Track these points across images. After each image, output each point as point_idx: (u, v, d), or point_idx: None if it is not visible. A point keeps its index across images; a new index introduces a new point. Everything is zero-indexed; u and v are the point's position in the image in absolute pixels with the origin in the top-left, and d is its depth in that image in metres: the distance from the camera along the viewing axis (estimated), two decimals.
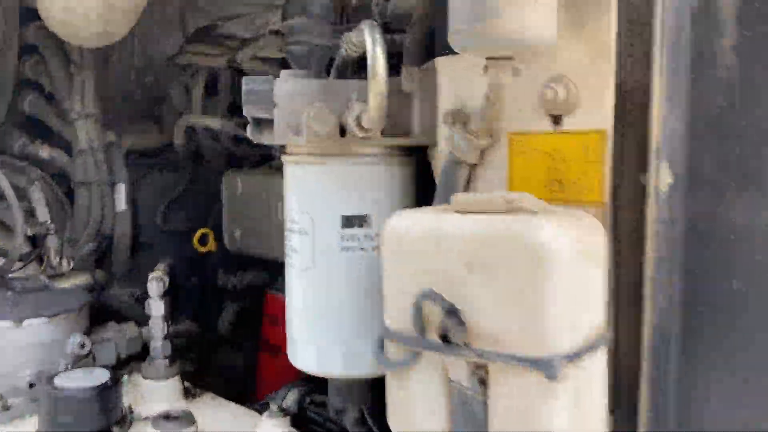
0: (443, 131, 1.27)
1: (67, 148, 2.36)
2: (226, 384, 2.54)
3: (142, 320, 2.25)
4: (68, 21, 1.94)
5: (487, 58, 1.08)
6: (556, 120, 1.12)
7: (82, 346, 1.80)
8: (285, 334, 2.17)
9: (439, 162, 1.29)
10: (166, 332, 1.78)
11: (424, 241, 1.02)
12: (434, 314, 1.01)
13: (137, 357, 2.04)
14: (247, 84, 1.29)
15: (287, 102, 1.29)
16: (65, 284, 2.19)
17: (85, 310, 1.87)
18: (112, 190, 2.37)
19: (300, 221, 1.31)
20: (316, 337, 1.32)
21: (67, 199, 2.38)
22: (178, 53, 2.41)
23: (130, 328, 2.02)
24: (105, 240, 2.37)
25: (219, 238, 2.44)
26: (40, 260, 2.26)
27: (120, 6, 1.93)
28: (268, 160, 2.41)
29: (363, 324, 1.31)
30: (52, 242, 2.25)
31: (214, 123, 2.31)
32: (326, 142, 1.25)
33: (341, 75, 1.44)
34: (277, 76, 2.27)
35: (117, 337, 1.96)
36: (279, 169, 2.22)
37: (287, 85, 1.29)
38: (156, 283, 1.77)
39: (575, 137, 1.11)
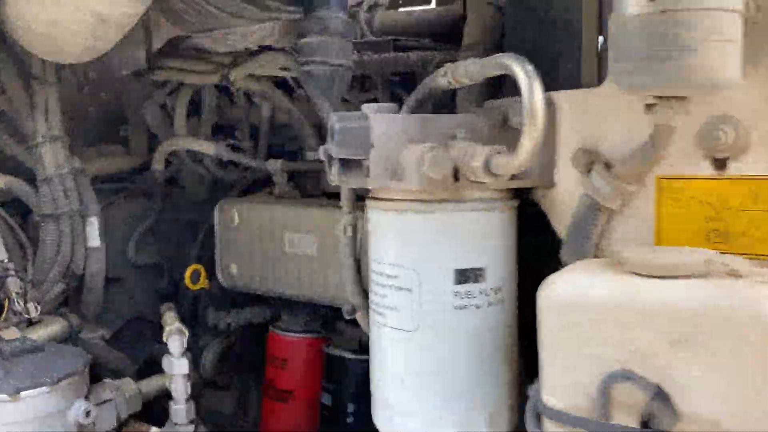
0: (566, 172, 1.13)
1: (15, 171, 2.06)
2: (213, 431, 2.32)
3: (117, 367, 2.02)
4: (53, 35, 1.68)
5: (657, 97, 0.96)
6: (720, 164, 1.01)
7: (87, 413, 1.56)
8: (295, 378, 1.99)
9: (556, 206, 1.16)
10: (189, 393, 1.56)
11: (610, 312, 0.88)
12: (629, 396, 0.87)
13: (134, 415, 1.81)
14: (340, 122, 1.11)
15: (385, 142, 1.12)
16: (38, 333, 1.91)
17: (87, 369, 1.62)
18: (83, 222, 2.09)
19: (400, 276, 1.14)
20: (423, 406, 1.15)
21: (24, 233, 2.09)
22: (155, 67, 2.16)
23: (127, 386, 1.77)
24: (75, 279, 2.10)
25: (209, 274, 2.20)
26: None
27: (114, 20, 1.68)
28: (260, 186, 2.20)
29: (478, 390, 1.15)
30: (13, 284, 1.96)
31: (207, 147, 2.07)
32: (439, 187, 1.09)
33: (419, 108, 1.28)
34: (274, 94, 2.09)
35: (116, 396, 1.71)
36: (282, 198, 2.03)
37: (385, 124, 1.12)
38: (177, 338, 1.55)
39: (744, 184, 1.00)
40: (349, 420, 1.87)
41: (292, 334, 1.99)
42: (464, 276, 1.12)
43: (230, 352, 2.37)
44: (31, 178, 2.05)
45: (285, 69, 1.93)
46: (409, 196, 1.14)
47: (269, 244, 1.95)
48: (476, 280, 1.13)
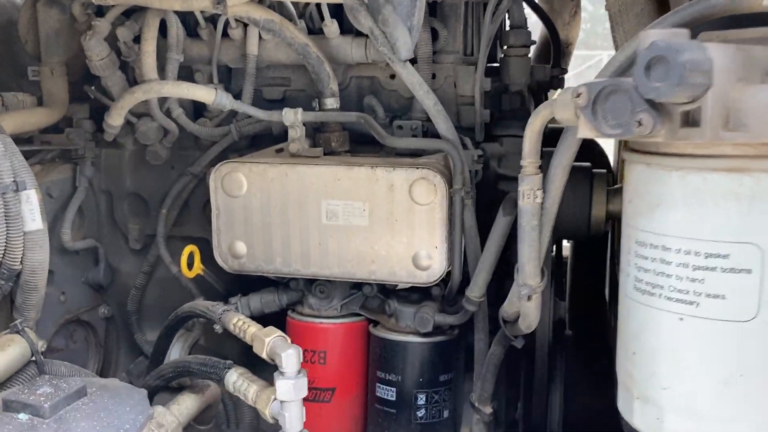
0: None
1: None
2: None
3: None
4: None
5: None
6: None
7: None
8: (338, 372, 1.63)
9: None
10: (304, 420, 1.18)
11: None
12: None
13: None
14: (681, 51, 0.82)
15: (722, 80, 0.86)
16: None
17: None
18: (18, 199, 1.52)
19: (734, 255, 0.90)
20: (753, 409, 0.94)
21: None
22: None
23: (164, 418, 1.32)
24: (11, 278, 1.53)
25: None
26: None
27: None
28: (245, 146, 1.76)
29: None
30: None
31: (206, 94, 1.58)
32: None
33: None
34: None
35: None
36: (303, 157, 1.62)
37: (724, 56, 0.86)
38: (293, 353, 1.15)
39: None
40: (420, 413, 1.58)
41: (330, 320, 1.63)
42: None
43: (195, 349, 1.92)
44: None
45: None
46: (748, 151, 0.89)
47: (297, 214, 1.55)
48: None
